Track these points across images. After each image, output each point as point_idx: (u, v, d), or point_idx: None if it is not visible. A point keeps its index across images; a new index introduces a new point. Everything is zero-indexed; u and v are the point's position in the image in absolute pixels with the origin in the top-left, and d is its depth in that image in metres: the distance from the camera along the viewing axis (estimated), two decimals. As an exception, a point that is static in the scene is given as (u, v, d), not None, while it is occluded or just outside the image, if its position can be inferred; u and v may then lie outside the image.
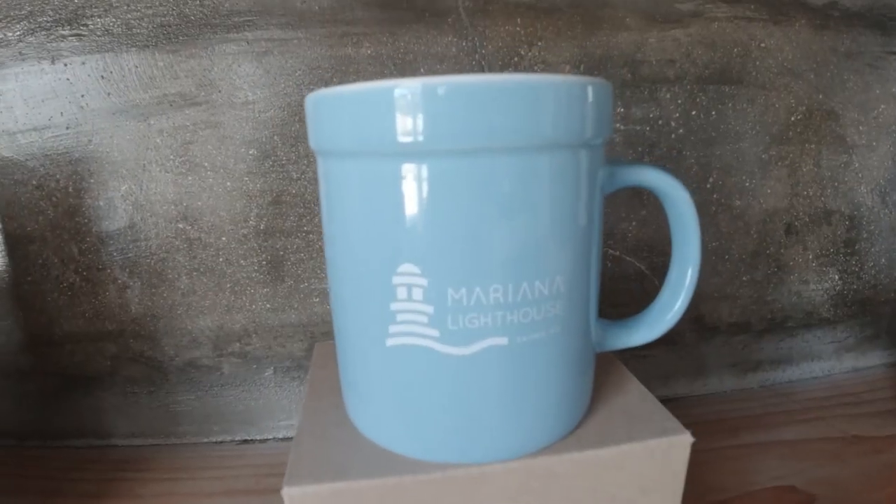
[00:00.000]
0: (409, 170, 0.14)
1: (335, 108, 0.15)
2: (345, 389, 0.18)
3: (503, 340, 0.15)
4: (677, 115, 0.35)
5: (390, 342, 0.15)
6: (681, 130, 0.35)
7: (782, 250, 0.39)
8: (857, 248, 0.40)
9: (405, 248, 0.14)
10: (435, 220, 0.14)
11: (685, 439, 0.17)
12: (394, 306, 0.15)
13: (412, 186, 0.14)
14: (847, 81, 0.38)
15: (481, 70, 0.33)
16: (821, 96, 0.37)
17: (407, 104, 0.14)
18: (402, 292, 0.15)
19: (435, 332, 0.15)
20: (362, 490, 0.15)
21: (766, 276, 0.39)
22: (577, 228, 0.16)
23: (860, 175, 0.39)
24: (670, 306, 0.20)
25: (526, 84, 0.14)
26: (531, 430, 0.16)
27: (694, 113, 0.35)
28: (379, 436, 0.17)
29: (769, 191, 0.37)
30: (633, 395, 0.20)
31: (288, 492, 0.16)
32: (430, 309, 0.15)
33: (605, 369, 0.22)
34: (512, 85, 0.14)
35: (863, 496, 0.31)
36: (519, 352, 0.15)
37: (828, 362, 0.42)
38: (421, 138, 0.14)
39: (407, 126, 0.14)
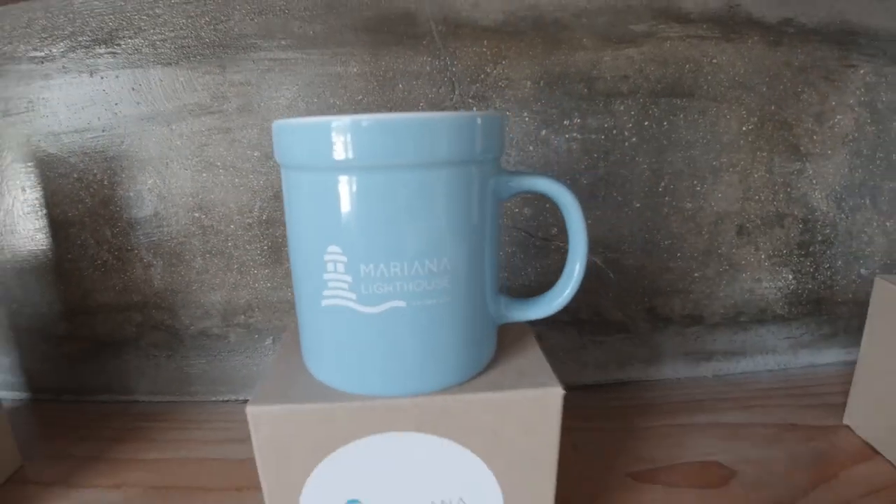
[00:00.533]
0: (339, 179, 0.20)
1: (291, 135, 0.21)
2: (301, 341, 0.25)
3: (402, 303, 0.21)
4: (630, 125, 0.40)
5: (324, 303, 0.22)
6: (634, 139, 0.40)
7: (734, 250, 0.43)
8: (811, 250, 0.45)
9: (332, 234, 0.21)
10: (352, 214, 0.20)
11: (557, 391, 0.23)
12: (325, 276, 0.21)
13: (340, 191, 0.20)
14: (801, 93, 0.42)
15: (452, 86, 0.39)
16: (773, 107, 0.42)
17: (341, 134, 0.20)
18: (330, 266, 0.21)
19: (353, 296, 0.21)
20: (303, 411, 0.22)
21: (717, 273, 0.44)
22: (467, 223, 0.21)
23: (814, 182, 0.43)
24: (560, 293, 0.25)
25: (424, 120, 0.20)
26: (429, 374, 0.22)
27: (646, 123, 0.40)
28: (320, 374, 0.23)
29: (720, 195, 0.42)
30: (531, 358, 0.25)
31: (250, 410, 0.22)
32: (349, 279, 0.21)
33: (517, 338, 0.27)
34: (413, 120, 0.20)
35: (783, 476, 0.35)
36: (415, 312, 0.21)
37: (783, 357, 0.47)
38: (351, 157, 0.20)
39: (339, 149, 0.20)
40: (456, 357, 0.23)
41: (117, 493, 0.36)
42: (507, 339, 0.27)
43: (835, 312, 0.46)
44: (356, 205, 0.20)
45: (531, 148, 0.40)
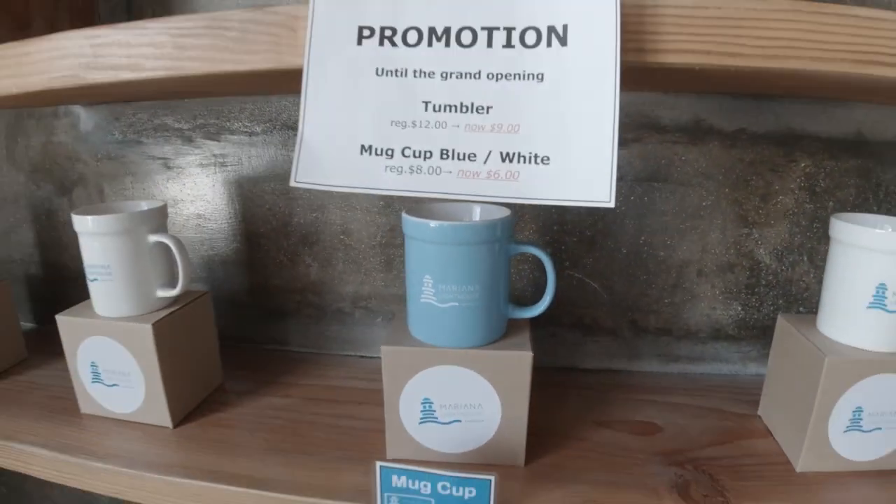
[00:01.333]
0: (429, 246, 0.49)
1: (408, 223, 0.50)
2: (407, 318, 0.54)
3: (456, 304, 0.48)
4: (620, 198, 0.66)
5: (421, 300, 0.50)
6: (623, 207, 0.66)
7: (694, 286, 0.68)
8: (756, 290, 0.68)
9: (426, 270, 0.48)
10: (435, 262, 0.48)
11: (528, 354, 0.50)
12: (422, 288, 0.49)
13: (430, 252, 0.49)
14: (750, 180, 0.65)
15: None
16: (727, 190, 0.66)
17: (433, 228, 0.49)
18: (425, 284, 0.49)
19: (434, 299, 0.49)
20: (405, 350, 0.51)
21: (682, 301, 0.68)
22: (489, 268, 0.49)
23: (759, 242, 0.67)
24: (539, 307, 0.52)
25: (471, 225, 0.48)
26: (467, 338, 0.49)
27: (632, 198, 0.66)
28: (416, 334, 0.51)
29: (685, 248, 0.67)
30: (521, 338, 0.53)
31: (383, 348, 0.51)
32: (433, 290, 0.49)
33: (520, 328, 0.55)
34: (466, 226, 0.48)
35: (693, 435, 0.59)
36: (462, 308, 0.48)
37: (735, 366, 0.71)
38: (434, 236, 0.49)
39: (431, 232, 0.49)
40: (481, 331, 0.51)
41: (286, 399, 0.67)
42: (514, 328, 0.55)
43: (777, 336, 0.70)
44: (437, 258, 0.49)
45: (553, 210, 0.67)
